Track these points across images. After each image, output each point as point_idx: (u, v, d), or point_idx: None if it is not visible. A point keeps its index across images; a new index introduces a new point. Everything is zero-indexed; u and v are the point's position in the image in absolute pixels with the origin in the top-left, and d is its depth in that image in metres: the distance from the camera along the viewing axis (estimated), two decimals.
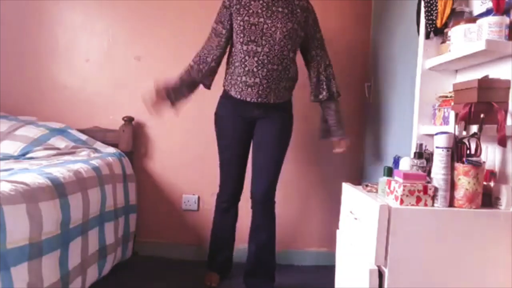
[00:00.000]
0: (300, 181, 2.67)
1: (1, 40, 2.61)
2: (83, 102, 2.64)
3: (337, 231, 1.69)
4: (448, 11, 1.53)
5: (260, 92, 1.99)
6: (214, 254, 2.27)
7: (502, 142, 1.23)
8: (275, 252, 2.17)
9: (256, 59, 1.96)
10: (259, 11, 1.97)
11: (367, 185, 1.51)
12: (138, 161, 2.63)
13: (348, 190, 1.57)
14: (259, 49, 1.96)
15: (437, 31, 1.60)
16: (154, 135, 2.66)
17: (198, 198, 2.64)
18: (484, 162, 1.25)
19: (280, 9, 1.99)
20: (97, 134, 2.54)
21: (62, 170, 1.66)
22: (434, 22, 1.59)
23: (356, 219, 1.44)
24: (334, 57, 2.62)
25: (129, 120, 2.55)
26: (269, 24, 1.96)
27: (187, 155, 2.60)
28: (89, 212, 1.75)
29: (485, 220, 1.22)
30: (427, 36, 1.64)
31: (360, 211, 1.40)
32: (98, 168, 1.95)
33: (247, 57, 1.97)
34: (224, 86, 2.13)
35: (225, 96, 2.12)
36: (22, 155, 2.17)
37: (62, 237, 1.49)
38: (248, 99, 2.02)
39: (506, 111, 1.25)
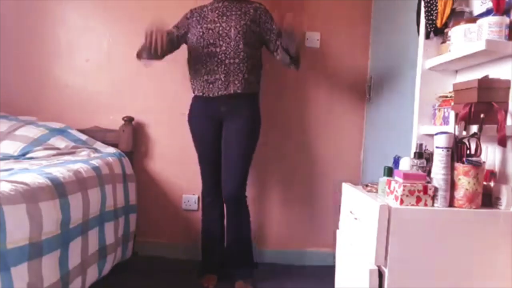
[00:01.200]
0: (300, 181, 2.67)
1: (1, 40, 2.61)
2: (83, 102, 2.64)
3: (337, 231, 1.69)
4: (448, 11, 1.53)
5: (219, 86, 2.12)
6: (207, 253, 2.32)
7: (502, 142, 1.23)
8: (251, 243, 2.26)
9: (216, 58, 2.11)
10: (216, 19, 2.16)
11: (367, 185, 1.51)
12: (138, 161, 2.63)
13: (348, 190, 1.57)
14: (218, 50, 2.11)
15: (437, 31, 1.60)
16: (154, 135, 2.66)
17: (198, 198, 2.64)
18: (484, 162, 1.25)
19: (233, 13, 2.16)
20: (97, 134, 2.54)
21: (62, 170, 1.66)
22: (434, 22, 1.59)
23: (356, 219, 1.44)
24: (334, 58, 2.65)
25: (129, 120, 2.55)
26: (224, 26, 2.13)
27: (187, 155, 2.59)
28: (89, 212, 1.75)
29: (485, 220, 1.22)
30: (427, 36, 1.64)
31: (360, 211, 1.40)
32: (98, 168, 1.95)
33: (208, 59, 2.13)
34: (192, 89, 2.25)
35: (193, 99, 2.27)
36: (22, 155, 2.17)
37: (62, 237, 1.49)
38: (211, 95, 2.14)
39: (506, 111, 1.26)
